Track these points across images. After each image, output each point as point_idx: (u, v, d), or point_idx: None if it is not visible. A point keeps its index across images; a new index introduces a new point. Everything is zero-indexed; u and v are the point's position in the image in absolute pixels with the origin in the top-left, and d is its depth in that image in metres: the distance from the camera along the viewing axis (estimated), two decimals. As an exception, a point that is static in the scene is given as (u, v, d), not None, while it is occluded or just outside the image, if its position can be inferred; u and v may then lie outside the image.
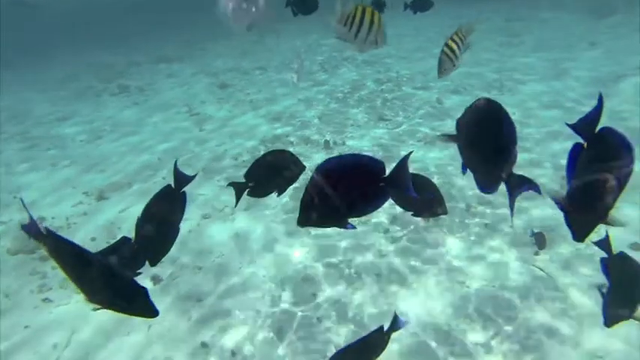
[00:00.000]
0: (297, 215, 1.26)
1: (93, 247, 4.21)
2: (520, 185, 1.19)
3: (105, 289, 1.29)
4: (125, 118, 8.20)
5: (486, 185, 1.25)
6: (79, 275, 1.32)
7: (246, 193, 1.71)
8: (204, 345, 2.94)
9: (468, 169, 1.33)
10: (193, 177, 1.64)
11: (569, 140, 3.18)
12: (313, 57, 10.80)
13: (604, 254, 1.70)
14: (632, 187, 1.37)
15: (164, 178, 5.41)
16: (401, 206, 1.76)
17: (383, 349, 1.59)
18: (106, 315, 3.29)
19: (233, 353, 2.86)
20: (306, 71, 4.02)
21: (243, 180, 1.72)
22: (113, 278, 1.29)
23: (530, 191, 1.21)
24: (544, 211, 3.87)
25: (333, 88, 7.99)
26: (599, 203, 1.11)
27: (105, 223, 4.61)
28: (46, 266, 4.01)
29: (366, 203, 1.25)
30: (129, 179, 5.53)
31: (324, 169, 1.21)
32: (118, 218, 4.66)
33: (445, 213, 1.71)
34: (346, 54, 10.21)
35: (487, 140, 1.22)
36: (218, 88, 9.24)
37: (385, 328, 1.62)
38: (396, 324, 1.64)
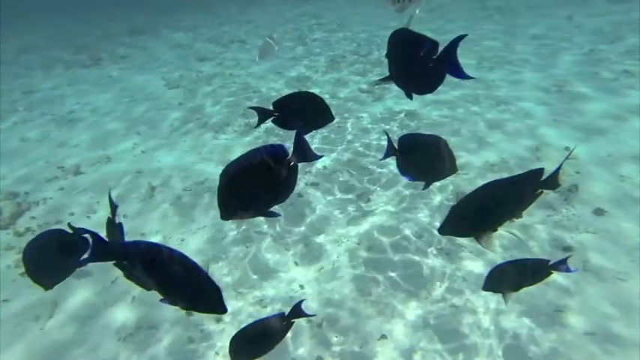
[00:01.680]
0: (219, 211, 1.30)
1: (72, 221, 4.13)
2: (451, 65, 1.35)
3: (184, 290, 1.26)
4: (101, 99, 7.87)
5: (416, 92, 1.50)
6: (156, 277, 1.27)
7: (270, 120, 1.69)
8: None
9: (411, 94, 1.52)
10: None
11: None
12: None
13: None
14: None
15: (135, 144, 5.30)
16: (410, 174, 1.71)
17: (283, 335, 1.60)
18: (88, 288, 3.31)
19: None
20: (273, 52, 4.01)
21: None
22: (192, 277, 1.26)
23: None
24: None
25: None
26: None
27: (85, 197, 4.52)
28: (22, 242, 3.92)
29: (278, 190, 1.29)
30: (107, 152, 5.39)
31: (228, 168, 1.24)
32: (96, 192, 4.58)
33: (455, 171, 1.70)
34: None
35: (411, 57, 1.38)
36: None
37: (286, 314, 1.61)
38: (297, 312, 1.62)
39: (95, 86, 8.26)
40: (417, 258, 3.29)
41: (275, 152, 1.24)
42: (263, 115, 1.68)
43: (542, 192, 1.40)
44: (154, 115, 6.43)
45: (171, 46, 10.82)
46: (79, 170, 5.07)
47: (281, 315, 1.58)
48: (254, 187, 1.25)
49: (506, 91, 5.92)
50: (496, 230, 1.44)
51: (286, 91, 6.66)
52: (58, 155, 5.54)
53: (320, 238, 3.59)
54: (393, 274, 3.17)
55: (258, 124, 1.72)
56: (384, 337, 2.71)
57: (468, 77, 1.36)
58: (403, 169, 1.67)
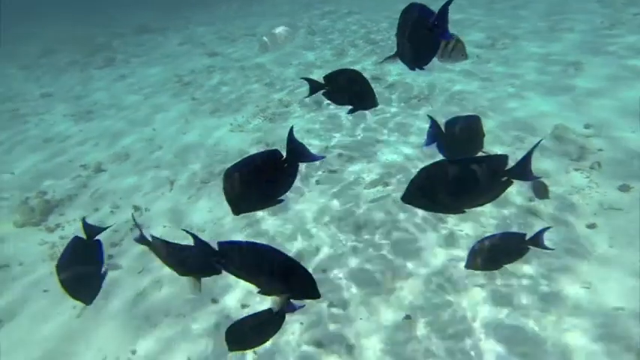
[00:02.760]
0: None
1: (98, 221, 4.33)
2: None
3: (281, 282, 1.37)
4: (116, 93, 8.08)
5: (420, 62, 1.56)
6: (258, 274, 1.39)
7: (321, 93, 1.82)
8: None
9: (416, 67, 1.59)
10: (104, 229, 1.76)
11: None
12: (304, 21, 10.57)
13: None
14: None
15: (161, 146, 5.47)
16: None
17: (276, 330, 1.67)
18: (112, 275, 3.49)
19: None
20: (280, 45, 4.07)
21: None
22: (291, 270, 1.36)
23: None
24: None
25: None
26: None
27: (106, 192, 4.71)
28: (54, 236, 4.14)
29: (276, 187, 1.43)
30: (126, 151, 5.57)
31: (232, 167, 1.40)
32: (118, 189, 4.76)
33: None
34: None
35: (413, 30, 1.48)
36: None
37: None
38: (288, 307, 1.68)
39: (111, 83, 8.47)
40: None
41: (270, 156, 1.39)
42: (313, 87, 1.78)
43: (511, 182, 1.36)
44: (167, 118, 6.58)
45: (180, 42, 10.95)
46: (127, 156, 5.27)
47: (270, 310, 1.67)
48: (253, 186, 1.40)
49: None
50: (463, 212, 1.41)
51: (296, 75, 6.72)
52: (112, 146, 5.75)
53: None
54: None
55: (309, 94, 1.83)
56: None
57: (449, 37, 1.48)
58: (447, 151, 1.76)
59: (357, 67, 7.01)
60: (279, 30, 3.88)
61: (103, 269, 1.67)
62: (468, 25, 8.18)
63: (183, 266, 1.55)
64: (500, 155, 1.35)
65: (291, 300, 1.60)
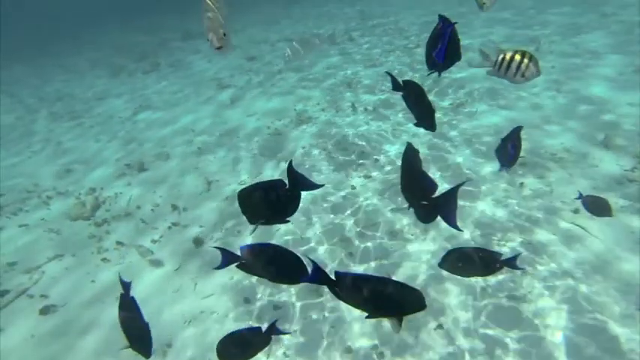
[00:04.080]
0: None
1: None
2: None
3: (396, 306, 1.48)
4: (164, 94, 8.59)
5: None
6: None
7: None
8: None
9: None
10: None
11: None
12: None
13: None
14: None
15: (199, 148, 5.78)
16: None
17: (263, 347, 1.81)
18: (156, 274, 3.76)
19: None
20: (299, 59, 4.18)
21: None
22: (402, 294, 1.47)
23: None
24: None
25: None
26: None
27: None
28: (101, 231, 4.51)
29: (280, 210, 1.67)
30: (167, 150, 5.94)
31: (242, 190, 1.66)
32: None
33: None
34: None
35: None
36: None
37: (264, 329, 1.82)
38: (275, 330, 1.82)
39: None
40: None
41: (273, 184, 1.64)
42: (395, 86, 1.98)
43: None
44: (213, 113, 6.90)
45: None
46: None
47: (259, 329, 1.81)
48: (260, 206, 1.67)
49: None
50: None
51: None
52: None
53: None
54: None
55: (393, 89, 2.00)
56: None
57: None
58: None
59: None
60: (294, 44, 4.08)
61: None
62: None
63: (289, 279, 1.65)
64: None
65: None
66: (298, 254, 1.61)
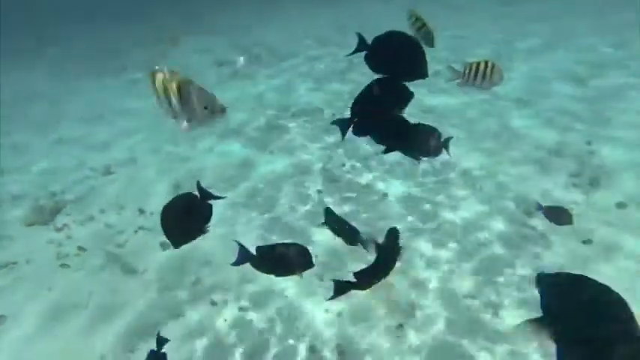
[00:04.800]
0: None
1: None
2: None
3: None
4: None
5: None
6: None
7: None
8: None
9: None
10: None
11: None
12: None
13: None
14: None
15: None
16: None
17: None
18: (113, 277, 3.57)
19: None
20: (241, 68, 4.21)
21: None
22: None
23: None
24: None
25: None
26: None
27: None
28: (61, 235, 4.26)
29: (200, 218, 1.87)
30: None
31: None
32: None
33: None
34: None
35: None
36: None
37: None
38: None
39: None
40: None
41: (187, 197, 1.87)
42: (359, 46, 1.80)
43: None
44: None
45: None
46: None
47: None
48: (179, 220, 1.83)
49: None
50: None
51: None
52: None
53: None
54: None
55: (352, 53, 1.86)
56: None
57: None
58: None
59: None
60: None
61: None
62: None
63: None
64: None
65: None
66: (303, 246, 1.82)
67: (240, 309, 3.11)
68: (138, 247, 3.95)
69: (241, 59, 3.88)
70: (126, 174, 5.29)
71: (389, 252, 2.02)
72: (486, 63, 2.39)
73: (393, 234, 2.08)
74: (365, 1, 13.63)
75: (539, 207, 2.93)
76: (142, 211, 4.46)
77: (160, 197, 4.65)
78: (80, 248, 4.03)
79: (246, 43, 10.80)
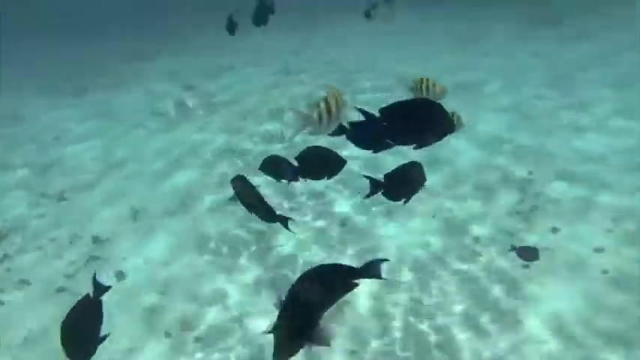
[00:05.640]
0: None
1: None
2: None
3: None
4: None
5: None
6: None
7: None
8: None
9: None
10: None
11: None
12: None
13: None
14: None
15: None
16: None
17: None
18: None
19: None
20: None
21: None
22: None
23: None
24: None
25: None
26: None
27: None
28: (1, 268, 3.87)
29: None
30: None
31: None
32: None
33: None
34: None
35: None
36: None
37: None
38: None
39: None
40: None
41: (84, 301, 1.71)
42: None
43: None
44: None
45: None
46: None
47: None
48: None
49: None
50: None
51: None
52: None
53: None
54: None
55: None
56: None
57: None
58: None
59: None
60: None
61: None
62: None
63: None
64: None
65: None
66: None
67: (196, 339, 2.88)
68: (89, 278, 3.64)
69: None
70: (79, 199, 4.97)
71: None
72: (428, 79, 2.67)
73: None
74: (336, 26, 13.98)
75: (513, 247, 3.28)
76: (96, 239, 4.16)
77: (110, 223, 4.37)
78: (22, 281, 3.67)
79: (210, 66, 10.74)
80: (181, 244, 3.93)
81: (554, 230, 3.52)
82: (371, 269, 1.46)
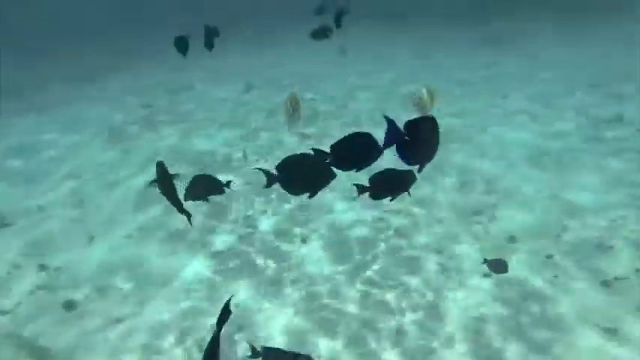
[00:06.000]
0: None
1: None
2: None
3: None
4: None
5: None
6: None
7: None
8: None
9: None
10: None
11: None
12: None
13: None
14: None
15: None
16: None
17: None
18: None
19: None
20: None
21: None
22: None
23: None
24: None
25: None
26: None
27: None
28: None
29: None
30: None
31: None
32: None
33: None
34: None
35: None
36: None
37: None
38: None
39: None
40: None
41: None
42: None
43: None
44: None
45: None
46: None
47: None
48: None
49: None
50: None
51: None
52: None
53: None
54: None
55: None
56: None
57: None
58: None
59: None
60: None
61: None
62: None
63: None
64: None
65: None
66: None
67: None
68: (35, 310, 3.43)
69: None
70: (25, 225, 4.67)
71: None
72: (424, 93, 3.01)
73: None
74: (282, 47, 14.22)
75: (485, 260, 3.46)
76: (42, 267, 3.94)
77: (66, 251, 4.16)
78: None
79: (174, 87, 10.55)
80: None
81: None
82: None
